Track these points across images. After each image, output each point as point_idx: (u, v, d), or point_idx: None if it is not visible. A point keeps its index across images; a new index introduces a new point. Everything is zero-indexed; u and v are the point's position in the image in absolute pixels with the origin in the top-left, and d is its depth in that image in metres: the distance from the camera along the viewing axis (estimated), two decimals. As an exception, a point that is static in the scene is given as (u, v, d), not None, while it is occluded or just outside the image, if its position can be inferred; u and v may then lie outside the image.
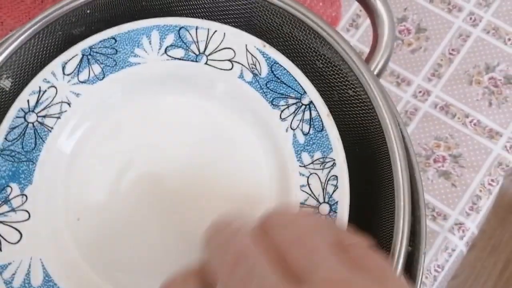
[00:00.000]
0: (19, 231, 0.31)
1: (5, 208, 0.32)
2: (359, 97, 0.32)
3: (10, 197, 0.32)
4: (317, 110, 0.32)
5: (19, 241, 0.31)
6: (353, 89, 0.32)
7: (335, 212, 0.31)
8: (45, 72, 0.33)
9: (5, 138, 0.32)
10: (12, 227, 0.31)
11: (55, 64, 0.33)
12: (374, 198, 0.32)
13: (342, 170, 0.31)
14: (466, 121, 0.44)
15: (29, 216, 0.32)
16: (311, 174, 0.32)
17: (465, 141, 0.43)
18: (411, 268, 0.29)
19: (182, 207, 0.33)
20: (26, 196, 0.32)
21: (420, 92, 0.45)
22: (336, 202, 0.31)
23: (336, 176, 0.31)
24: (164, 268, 0.31)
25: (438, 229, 0.41)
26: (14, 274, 0.30)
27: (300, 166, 0.32)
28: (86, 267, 0.31)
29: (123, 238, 0.33)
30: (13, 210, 0.32)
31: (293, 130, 0.33)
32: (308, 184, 0.32)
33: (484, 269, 1.01)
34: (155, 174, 0.33)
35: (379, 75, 0.32)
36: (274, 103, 0.33)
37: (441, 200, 0.42)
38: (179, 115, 0.34)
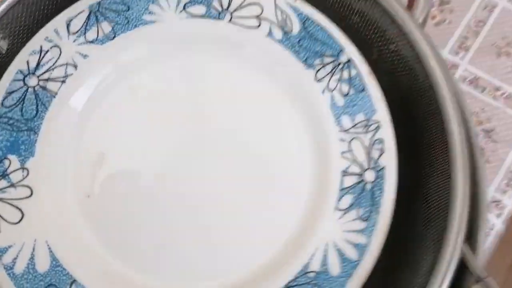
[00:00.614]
0: (20, 210, 0.27)
1: (3, 183, 0.27)
2: (400, 52, 0.29)
3: (9, 171, 0.27)
4: (357, 68, 0.29)
5: (20, 220, 0.27)
6: (394, 43, 0.29)
7: (382, 178, 0.27)
8: (48, 30, 0.29)
9: (2, 104, 0.28)
10: (12, 205, 0.27)
11: (59, 21, 0.29)
12: (421, 162, 0.28)
13: (387, 132, 0.28)
14: (497, 94, 0.42)
15: (32, 192, 0.27)
16: (352, 138, 0.29)
17: (497, 114, 0.41)
18: (472, 239, 0.26)
19: (201, 177, 0.29)
20: (28, 170, 0.28)
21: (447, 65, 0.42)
22: (383, 168, 0.28)
23: (382, 140, 0.28)
24: (177, 249, 0.28)
25: None
26: (15, 258, 0.26)
27: (340, 131, 0.29)
28: (98, 248, 0.27)
29: (139, 217, 0.28)
30: (12, 185, 0.27)
31: (331, 91, 0.29)
32: (350, 150, 0.28)
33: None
34: (181, 145, 0.30)
35: (422, 24, 0.29)
36: (308, 62, 0.30)
37: None
38: (202, 79, 0.31)
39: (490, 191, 0.39)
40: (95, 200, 0.28)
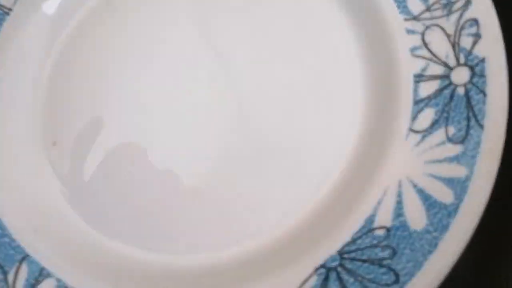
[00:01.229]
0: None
1: None
2: None
3: None
4: None
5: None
6: None
7: (482, 76, 0.17)
8: None
9: None
10: None
11: None
12: None
13: (484, 8, 0.18)
14: None
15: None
16: (427, 27, 0.19)
17: None
18: None
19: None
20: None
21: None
22: (482, 59, 0.18)
23: (476, 20, 0.18)
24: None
25: None
26: None
27: (406, 19, 0.19)
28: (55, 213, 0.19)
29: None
30: None
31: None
32: (425, 44, 0.19)
33: None
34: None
35: None
36: None
37: None
38: None
39: None
40: (60, 149, 0.20)
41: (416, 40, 0.19)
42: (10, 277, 0.18)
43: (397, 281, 0.16)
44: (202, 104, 0.21)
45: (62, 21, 0.23)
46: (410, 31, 0.19)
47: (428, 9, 0.19)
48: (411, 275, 0.16)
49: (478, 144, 0.17)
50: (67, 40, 0.23)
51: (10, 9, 0.22)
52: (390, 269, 0.16)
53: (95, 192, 0.20)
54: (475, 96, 0.17)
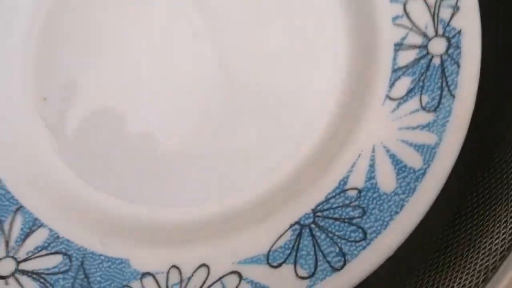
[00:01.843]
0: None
1: None
2: None
3: None
4: None
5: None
6: None
7: (458, 47, 0.18)
8: None
9: None
10: None
11: None
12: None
13: (464, -20, 0.19)
14: None
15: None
16: (409, -3, 0.19)
17: None
18: None
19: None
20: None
21: None
22: (459, 32, 0.18)
23: (455, -9, 0.19)
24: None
25: None
26: None
27: (389, -13, 0.20)
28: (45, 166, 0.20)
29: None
30: None
31: None
32: (406, 13, 0.19)
33: None
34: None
35: None
36: None
37: None
38: None
39: None
40: (51, 104, 0.21)
41: (398, 9, 0.19)
42: (6, 226, 0.19)
43: (364, 238, 0.17)
44: (186, 61, 0.21)
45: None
46: (393, 0, 0.20)
47: (411, -22, 0.19)
48: (377, 233, 0.17)
49: (449, 113, 0.18)
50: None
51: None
52: (359, 227, 0.18)
53: (83, 146, 0.21)
54: (450, 67, 0.18)
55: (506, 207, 0.18)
